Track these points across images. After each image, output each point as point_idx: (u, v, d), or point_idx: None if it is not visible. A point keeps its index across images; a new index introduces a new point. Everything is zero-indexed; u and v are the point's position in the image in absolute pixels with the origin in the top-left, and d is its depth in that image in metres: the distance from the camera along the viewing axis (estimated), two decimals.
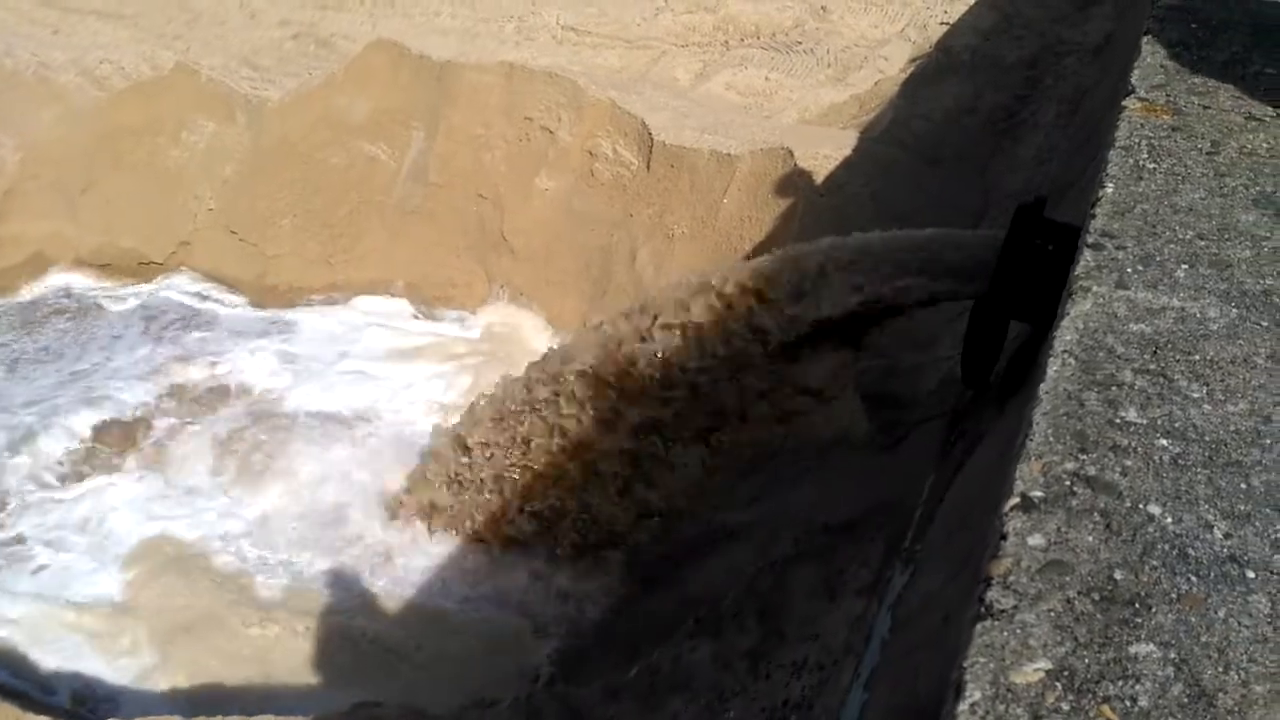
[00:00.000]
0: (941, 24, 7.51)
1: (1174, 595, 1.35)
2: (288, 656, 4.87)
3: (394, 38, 7.42)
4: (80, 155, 7.15)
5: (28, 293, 7.13)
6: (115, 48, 7.32)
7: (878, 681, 2.67)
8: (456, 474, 5.51)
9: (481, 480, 5.42)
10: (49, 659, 4.78)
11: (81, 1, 7.71)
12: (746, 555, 4.94)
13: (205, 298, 7.32)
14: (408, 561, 5.44)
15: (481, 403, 5.54)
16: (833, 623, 3.96)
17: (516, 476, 5.30)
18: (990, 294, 3.20)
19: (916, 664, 2.36)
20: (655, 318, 4.86)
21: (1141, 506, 1.48)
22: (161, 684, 4.71)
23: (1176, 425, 1.64)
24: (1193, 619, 1.32)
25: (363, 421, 6.39)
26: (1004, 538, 1.43)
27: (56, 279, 7.21)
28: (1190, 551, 1.42)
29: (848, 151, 6.34)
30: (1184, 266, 2.05)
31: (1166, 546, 1.42)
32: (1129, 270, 2.03)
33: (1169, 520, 1.46)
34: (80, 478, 5.87)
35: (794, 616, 4.37)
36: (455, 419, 6.26)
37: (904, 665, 2.51)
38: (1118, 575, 1.37)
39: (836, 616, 3.99)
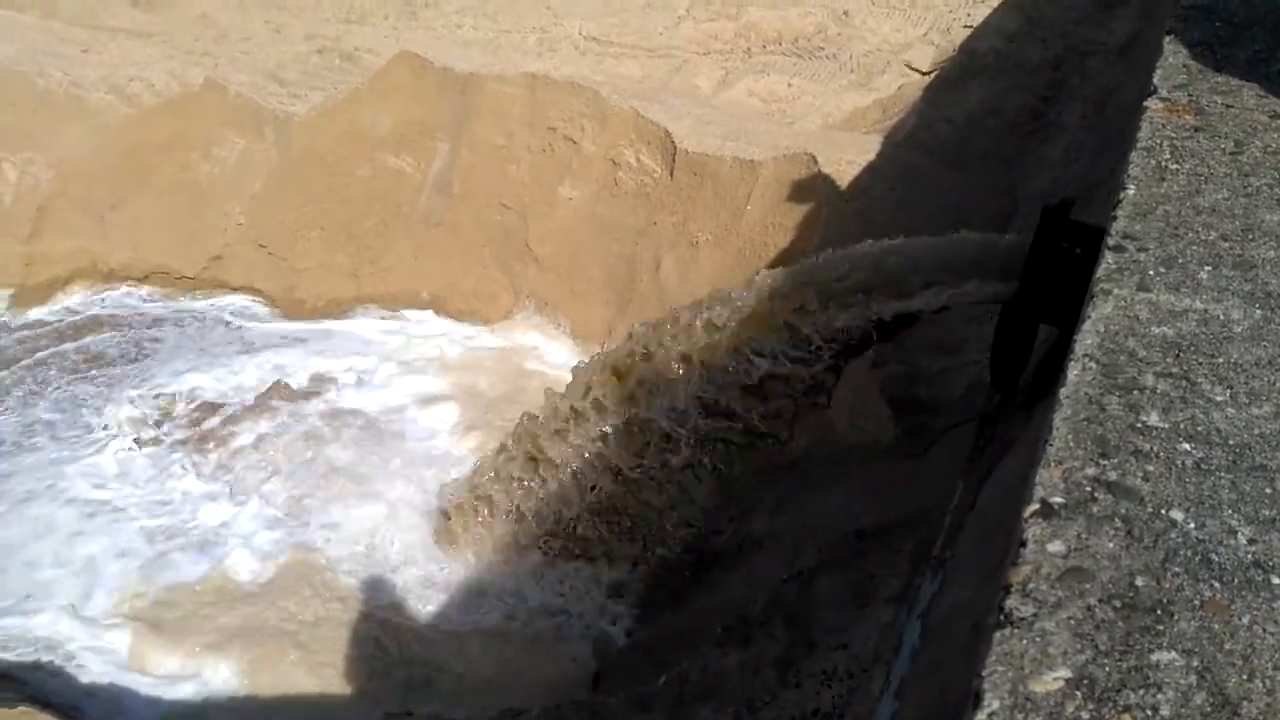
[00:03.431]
0: (965, 27, 7.46)
1: (1197, 602, 1.33)
2: (324, 666, 4.91)
3: (417, 50, 7.49)
4: (111, 172, 7.27)
5: (61, 306, 7.25)
6: (145, 65, 7.44)
7: (908, 691, 2.66)
8: (493, 489, 5.54)
9: (517, 495, 5.44)
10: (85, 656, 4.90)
11: (111, 20, 7.84)
12: (774, 563, 4.93)
13: (236, 311, 7.42)
14: (443, 574, 5.47)
15: (517, 418, 5.56)
16: (862, 631, 3.94)
17: (550, 491, 5.32)
18: (1018, 297, 3.18)
19: (947, 674, 2.34)
20: (686, 327, 4.87)
21: (1164, 512, 1.46)
22: (193, 691, 4.76)
23: (1199, 429, 1.62)
24: (1216, 626, 1.30)
25: (395, 434, 6.44)
26: (1023, 544, 1.42)
27: (89, 293, 7.34)
28: (1213, 558, 1.40)
29: (871, 156, 6.32)
30: (1207, 268, 2.02)
31: (1189, 553, 1.40)
32: (1151, 272, 2.00)
33: (1192, 526, 1.44)
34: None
35: (823, 624, 4.35)
36: (487, 432, 6.31)
37: (934, 675, 2.49)
38: (1139, 582, 1.35)
39: (866, 625, 3.96)
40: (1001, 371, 3.41)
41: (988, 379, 3.56)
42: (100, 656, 4.92)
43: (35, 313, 7.19)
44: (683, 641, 4.71)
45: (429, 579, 5.47)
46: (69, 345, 7.02)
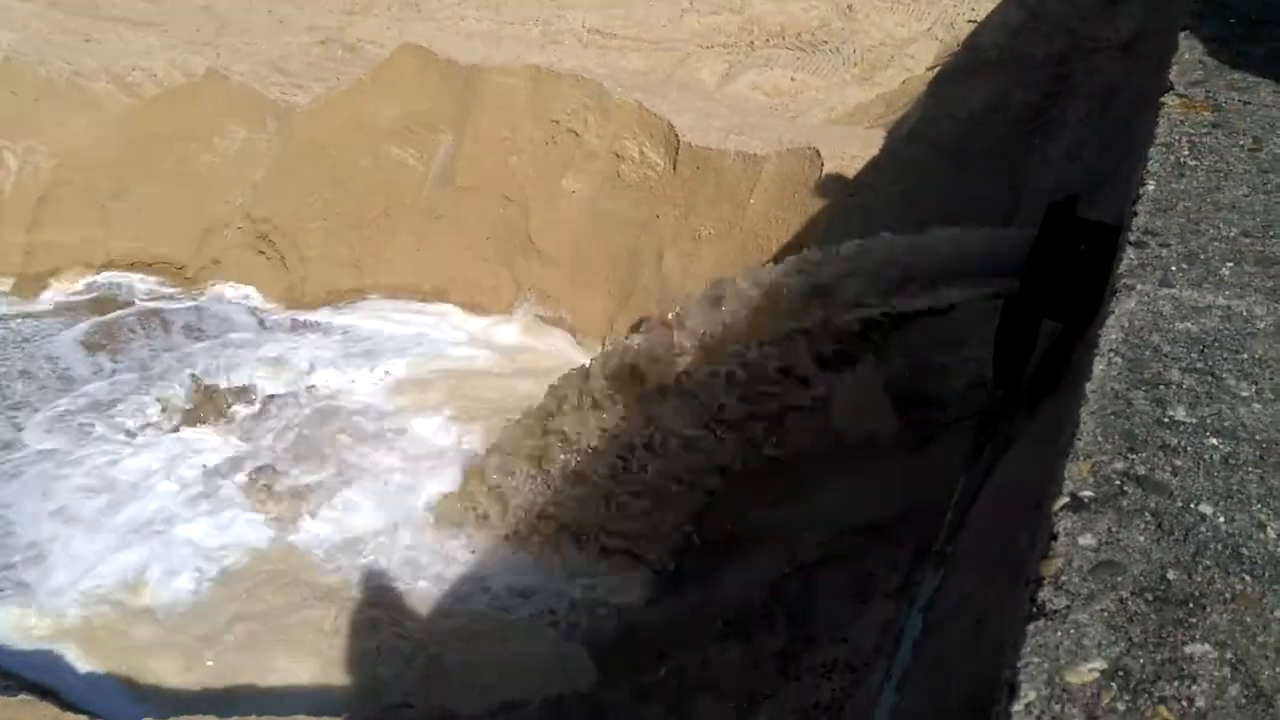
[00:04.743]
0: (969, 22, 7.47)
1: (1228, 595, 1.33)
2: (323, 658, 4.90)
3: (420, 42, 7.46)
4: (112, 161, 7.24)
5: (59, 295, 7.23)
6: (146, 55, 7.40)
7: (909, 684, 2.66)
8: (491, 481, 5.54)
9: (515, 488, 5.44)
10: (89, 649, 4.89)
11: (113, 10, 7.81)
12: (775, 557, 4.92)
13: (235, 301, 7.40)
14: (443, 566, 5.45)
15: (520, 409, 5.55)
16: (863, 625, 3.94)
17: (549, 483, 5.32)
18: (1022, 293, 3.17)
19: (949, 666, 2.34)
20: (687, 320, 4.87)
21: (1193, 506, 1.46)
22: (190, 682, 4.75)
23: (1226, 424, 1.62)
24: (1248, 619, 1.30)
25: (395, 428, 6.42)
26: (1054, 538, 1.42)
27: (89, 282, 7.31)
28: (1244, 551, 1.40)
29: (875, 151, 6.32)
30: (1229, 264, 2.02)
31: (1219, 546, 1.40)
32: (1173, 268, 2.00)
33: (1221, 520, 1.44)
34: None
35: (823, 619, 4.35)
36: (487, 424, 6.30)
37: (936, 668, 2.49)
38: (1170, 575, 1.35)
39: (866, 619, 3.96)
40: (1004, 368, 3.39)
41: (990, 375, 3.55)
42: (97, 646, 4.91)
43: (33, 302, 7.16)
44: (683, 633, 4.70)
45: (428, 571, 5.46)
46: (66, 335, 7.00)
